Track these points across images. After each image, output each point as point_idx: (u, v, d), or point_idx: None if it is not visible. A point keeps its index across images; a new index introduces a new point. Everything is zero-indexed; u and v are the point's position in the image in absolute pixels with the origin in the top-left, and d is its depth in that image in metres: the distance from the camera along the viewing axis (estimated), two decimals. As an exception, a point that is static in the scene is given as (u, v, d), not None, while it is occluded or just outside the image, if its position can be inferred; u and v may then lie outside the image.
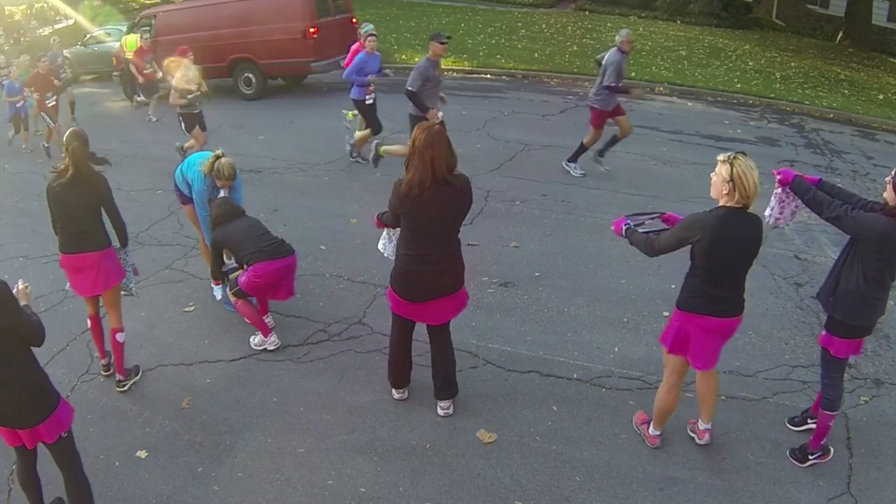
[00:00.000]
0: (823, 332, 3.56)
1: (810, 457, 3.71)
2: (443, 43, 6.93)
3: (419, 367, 4.27)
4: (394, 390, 4.23)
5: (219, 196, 4.97)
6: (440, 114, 7.02)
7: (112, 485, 3.62)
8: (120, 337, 4.34)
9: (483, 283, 5.59)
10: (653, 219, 3.67)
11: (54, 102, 9.91)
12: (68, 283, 4.32)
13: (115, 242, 4.33)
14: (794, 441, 3.85)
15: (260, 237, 4.63)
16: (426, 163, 3.40)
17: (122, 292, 4.45)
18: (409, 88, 6.86)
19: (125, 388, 4.40)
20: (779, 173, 3.53)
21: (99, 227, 4.13)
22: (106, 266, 4.17)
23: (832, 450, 3.74)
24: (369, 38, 8.04)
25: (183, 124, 8.29)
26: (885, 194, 3.30)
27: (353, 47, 8.80)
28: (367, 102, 8.22)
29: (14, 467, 3.73)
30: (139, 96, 12.18)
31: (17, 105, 10.20)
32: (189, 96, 8.05)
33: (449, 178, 3.47)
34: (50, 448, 3.06)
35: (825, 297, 3.49)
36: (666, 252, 3.42)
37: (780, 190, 3.57)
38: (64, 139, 4.02)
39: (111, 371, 4.46)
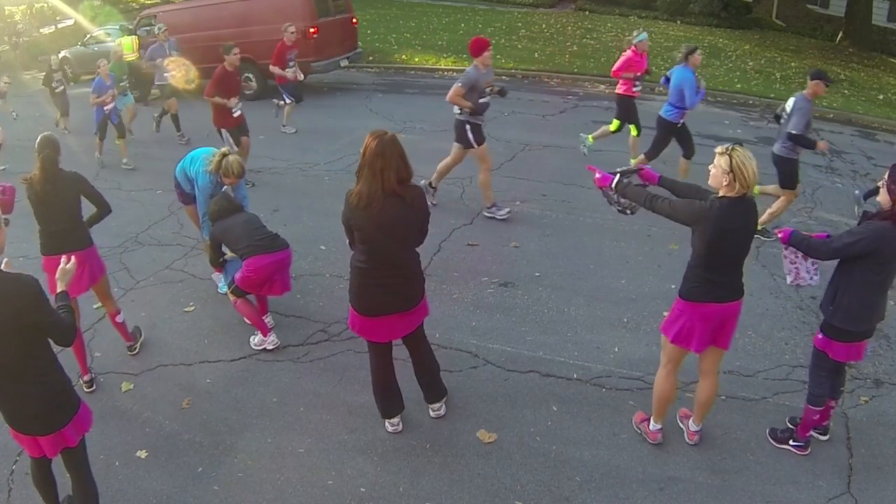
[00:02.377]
0: (820, 336, 3.58)
1: (791, 442, 3.77)
2: (828, 84, 5.98)
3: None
4: (387, 422, 3.97)
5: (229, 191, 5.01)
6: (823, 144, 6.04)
7: (112, 485, 3.61)
8: (119, 318, 4.62)
9: (483, 283, 5.59)
10: (630, 174, 3.70)
11: (240, 112, 7.70)
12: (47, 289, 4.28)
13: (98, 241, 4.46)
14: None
15: (254, 231, 4.63)
16: (375, 173, 3.27)
17: None
18: (794, 132, 5.87)
19: (136, 350, 4.72)
20: (779, 233, 3.60)
21: (79, 224, 4.24)
22: (91, 263, 4.32)
23: (811, 449, 3.78)
24: (699, 52, 6.92)
25: (471, 134, 6.35)
26: (878, 198, 3.36)
27: (626, 56, 7.82)
28: (680, 123, 7.19)
29: (14, 467, 3.74)
30: (285, 100, 9.86)
31: (107, 108, 8.52)
32: (484, 99, 6.19)
33: (398, 190, 3.32)
34: (66, 451, 3.01)
35: (826, 306, 3.52)
36: (661, 215, 3.42)
37: (786, 251, 3.61)
38: (36, 146, 4.01)
39: (94, 388, 4.39)
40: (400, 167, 3.32)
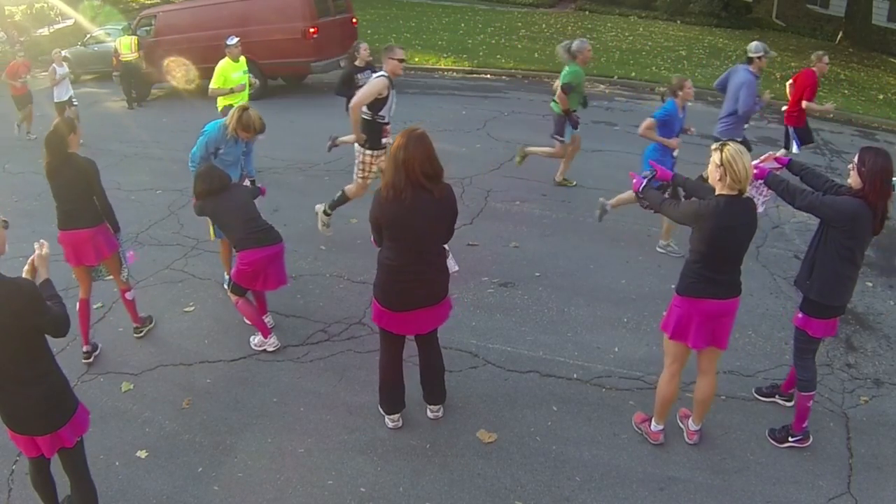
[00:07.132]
0: (800, 315, 3.67)
1: (790, 438, 3.81)
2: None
3: (417, 368, 4.26)
4: (387, 417, 4.01)
5: (239, 149, 5.09)
6: None
7: (112, 485, 3.61)
8: (129, 295, 4.83)
9: (483, 283, 5.59)
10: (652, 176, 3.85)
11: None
12: (62, 256, 4.58)
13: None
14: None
15: (248, 222, 4.56)
16: (398, 165, 3.35)
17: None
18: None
19: (141, 334, 4.89)
20: (756, 168, 3.73)
21: (90, 205, 4.46)
22: (98, 240, 4.51)
23: (812, 438, 3.82)
24: None
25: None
26: (849, 180, 3.46)
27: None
28: None
29: (14, 467, 3.74)
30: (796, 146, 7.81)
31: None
32: None
33: (426, 185, 3.38)
34: (63, 452, 3.01)
35: (802, 281, 3.63)
36: (668, 217, 3.71)
37: (756, 182, 3.83)
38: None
39: (91, 359, 4.67)
40: (424, 162, 3.39)
